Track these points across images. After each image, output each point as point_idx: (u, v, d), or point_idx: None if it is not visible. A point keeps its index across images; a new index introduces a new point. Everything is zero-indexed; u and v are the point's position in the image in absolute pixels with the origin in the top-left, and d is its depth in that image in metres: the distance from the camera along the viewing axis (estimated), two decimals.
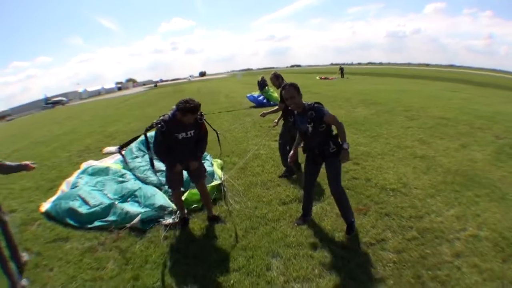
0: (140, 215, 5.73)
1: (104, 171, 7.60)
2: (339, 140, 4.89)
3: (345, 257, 4.69)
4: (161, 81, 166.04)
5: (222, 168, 8.00)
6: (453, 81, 47.84)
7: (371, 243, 5.00)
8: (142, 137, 6.00)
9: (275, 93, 21.23)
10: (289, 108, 4.97)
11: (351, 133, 11.75)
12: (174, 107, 4.90)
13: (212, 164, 7.92)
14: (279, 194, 6.78)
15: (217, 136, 6.08)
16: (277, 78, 7.59)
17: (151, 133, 5.47)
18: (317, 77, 52.05)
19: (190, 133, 5.06)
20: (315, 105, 4.77)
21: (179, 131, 4.95)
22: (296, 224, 5.48)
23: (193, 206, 6.29)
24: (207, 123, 5.55)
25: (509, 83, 54.36)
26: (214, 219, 5.79)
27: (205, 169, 5.91)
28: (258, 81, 22.59)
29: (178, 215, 5.81)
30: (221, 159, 8.40)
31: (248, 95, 21.84)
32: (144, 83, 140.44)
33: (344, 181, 7.10)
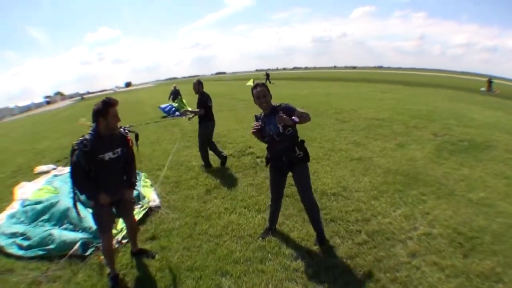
0: (79, 242, 5.47)
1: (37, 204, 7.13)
2: (298, 150, 4.95)
3: (298, 268, 4.68)
4: (88, 93, 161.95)
5: (151, 186, 7.88)
6: (383, 82, 50.44)
7: (321, 251, 5.05)
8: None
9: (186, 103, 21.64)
10: (263, 104, 4.91)
11: None
12: (92, 124, 4.41)
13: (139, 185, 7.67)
14: (218, 208, 6.71)
15: (136, 136, 5.56)
16: (198, 84, 9.18)
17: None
18: (248, 83, 52.30)
19: (117, 152, 4.46)
20: (284, 104, 4.88)
21: (105, 150, 4.34)
22: (261, 238, 5.47)
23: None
24: (129, 130, 4.94)
25: (442, 81, 58.28)
26: (141, 253, 5.28)
27: (134, 200, 5.49)
28: (171, 91, 22.49)
29: (108, 271, 4.96)
30: (148, 179, 8.35)
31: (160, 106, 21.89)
32: (71, 96, 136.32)
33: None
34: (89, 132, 4.33)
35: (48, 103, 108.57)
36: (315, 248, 5.11)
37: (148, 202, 6.88)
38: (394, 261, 4.75)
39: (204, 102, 8.96)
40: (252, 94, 4.93)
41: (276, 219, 5.70)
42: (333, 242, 5.27)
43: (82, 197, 5.81)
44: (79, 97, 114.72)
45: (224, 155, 9.62)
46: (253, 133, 4.99)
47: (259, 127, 4.89)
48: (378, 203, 6.59)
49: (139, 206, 6.65)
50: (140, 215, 6.36)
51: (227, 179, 8.32)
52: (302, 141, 5.01)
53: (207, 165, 9.48)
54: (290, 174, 5.19)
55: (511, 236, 5.37)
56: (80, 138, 4.24)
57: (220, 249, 5.26)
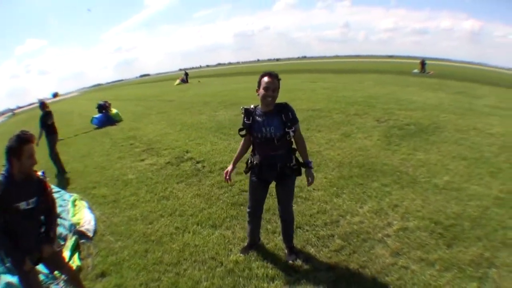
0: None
1: None
2: (301, 157, 4.48)
3: None
4: (18, 107, 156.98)
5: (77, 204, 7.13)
6: (309, 72, 51.02)
7: (298, 266, 4.62)
8: None
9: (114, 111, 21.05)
10: (268, 99, 4.17)
11: (221, 139, 11.67)
12: (5, 164, 3.58)
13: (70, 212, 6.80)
14: (167, 228, 6.08)
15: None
16: (42, 105, 10.95)
17: None
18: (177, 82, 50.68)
19: (32, 202, 3.68)
20: (289, 105, 4.31)
21: (19, 199, 3.58)
22: (241, 254, 4.98)
23: None
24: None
25: (370, 67, 60.37)
26: None
27: (61, 251, 4.60)
28: (100, 104, 21.47)
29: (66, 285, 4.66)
30: (80, 198, 7.56)
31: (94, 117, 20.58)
32: (3, 113, 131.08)
33: (234, 196, 6.89)
34: (1, 173, 3.59)
35: None
36: (290, 263, 4.68)
37: (76, 229, 6.13)
38: (379, 264, 4.49)
39: (43, 122, 10.47)
40: (259, 82, 4.23)
41: (258, 234, 5.19)
42: (307, 252, 4.89)
43: None
44: (11, 113, 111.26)
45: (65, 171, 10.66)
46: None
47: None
48: (342, 201, 6.34)
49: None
50: (75, 256, 5.49)
51: (170, 191, 7.78)
52: (295, 149, 4.53)
53: (62, 170, 10.58)
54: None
55: (489, 219, 5.44)
56: None
57: (182, 280, 4.63)
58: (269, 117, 4.21)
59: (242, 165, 5.10)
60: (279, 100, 4.24)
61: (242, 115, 4.40)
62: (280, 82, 4.23)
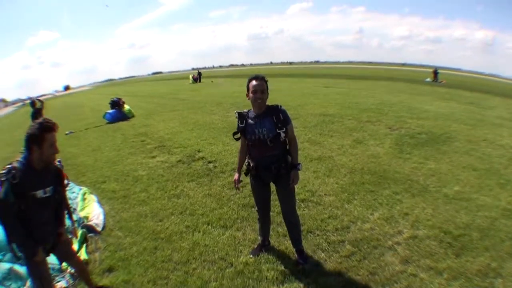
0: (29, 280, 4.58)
1: None
2: (290, 158, 4.50)
3: None
4: (29, 98, 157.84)
5: (84, 200, 7.12)
6: (323, 76, 51.04)
7: (308, 270, 4.62)
8: None
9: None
10: (258, 101, 4.28)
11: (232, 140, 11.41)
12: (23, 151, 3.54)
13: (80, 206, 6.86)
14: (177, 226, 6.10)
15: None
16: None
17: None
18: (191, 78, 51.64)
19: (49, 191, 3.66)
20: (281, 107, 4.38)
21: (37, 187, 3.55)
22: (251, 256, 5.01)
23: None
24: None
25: (382, 74, 60.07)
26: None
27: (71, 242, 4.64)
28: (113, 101, 21.48)
29: (72, 279, 4.71)
30: (90, 192, 7.61)
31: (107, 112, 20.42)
32: (13, 102, 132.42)
33: (245, 197, 6.87)
34: (19, 159, 3.51)
35: None
36: (300, 267, 4.68)
37: (84, 223, 6.16)
38: (389, 271, 4.50)
39: (34, 118, 10.52)
40: (247, 86, 4.32)
41: (267, 232, 5.24)
42: (317, 257, 4.90)
43: None
44: (22, 103, 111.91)
45: None
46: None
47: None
48: (353, 207, 6.33)
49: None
50: (82, 249, 5.49)
51: (181, 190, 7.80)
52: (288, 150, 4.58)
53: None
54: None
55: (497, 230, 5.43)
56: (7, 166, 3.42)
57: (191, 279, 4.64)
58: (261, 119, 4.30)
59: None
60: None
61: (236, 119, 4.49)
62: (268, 83, 4.33)
